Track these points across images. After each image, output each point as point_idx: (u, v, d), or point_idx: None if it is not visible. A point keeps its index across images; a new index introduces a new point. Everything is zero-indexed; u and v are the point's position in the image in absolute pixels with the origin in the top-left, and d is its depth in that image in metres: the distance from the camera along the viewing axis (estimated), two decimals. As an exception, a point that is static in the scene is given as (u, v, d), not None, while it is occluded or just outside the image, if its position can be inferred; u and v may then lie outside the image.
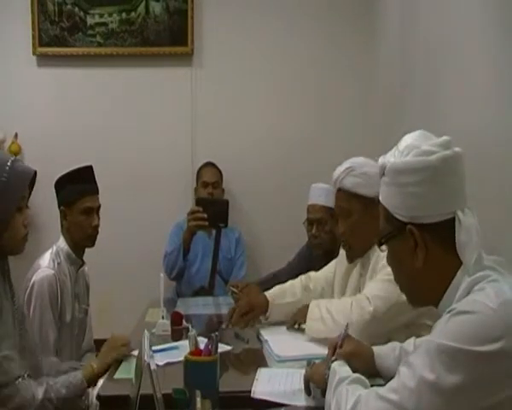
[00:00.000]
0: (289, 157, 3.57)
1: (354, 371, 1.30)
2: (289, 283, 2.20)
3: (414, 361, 1.04)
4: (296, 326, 2.00)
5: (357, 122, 3.53)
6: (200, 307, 2.69)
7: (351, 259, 1.98)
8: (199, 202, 2.86)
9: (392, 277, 1.72)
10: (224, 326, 1.98)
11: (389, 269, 1.73)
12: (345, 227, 1.91)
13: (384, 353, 1.49)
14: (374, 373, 1.46)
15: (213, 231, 3.37)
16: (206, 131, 3.60)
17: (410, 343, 1.50)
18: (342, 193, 1.89)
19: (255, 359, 1.83)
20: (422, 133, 1.17)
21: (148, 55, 3.57)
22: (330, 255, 2.66)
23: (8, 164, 1.51)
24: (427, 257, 1.11)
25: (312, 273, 2.24)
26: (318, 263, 2.76)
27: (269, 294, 2.11)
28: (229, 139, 3.59)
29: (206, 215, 2.81)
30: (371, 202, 1.87)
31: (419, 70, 2.58)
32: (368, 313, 1.73)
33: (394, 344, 1.52)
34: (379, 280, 1.80)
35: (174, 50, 3.56)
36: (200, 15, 3.57)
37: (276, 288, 2.16)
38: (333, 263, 2.19)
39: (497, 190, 1.76)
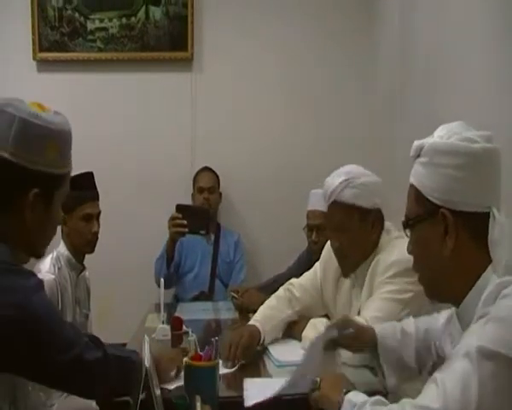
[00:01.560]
0: (289, 162, 3.57)
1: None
2: (274, 298, 2.11)
3: (455, 367, 0.99)
4: None
5: (358, 126, 3.52)
6: (200, 312, 2.68)
7: (346, 273, 1.93)
8: (178, 208, 2.81)
9: (392, 295, 1.72)
10: (229, 367, 1.76)
11: (389, 287, 1.73)
12: (341, 241, 1.86)
13: (387, 333, 1.46)
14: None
15: (212, 236, 3.37)
16: (205, 136, 3.60)
17: (409, 324, 1.47)
18: (338, 206, 1.82)
19: (255, 364, 1.83)
20: (462, 123, 1.14)
21: (147, 60, 3.57)
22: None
23: None
24: (456, 247, 1.07)
25: (294, 280, 2.16)
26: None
27: (257, 320, 1.97)
28: (229, 144, 3.59)
29: (185, 222, 2.77)
30: (367, 213, 1.85)
31: (419, 70, 2.58)
32: None
33: (394, 324, 1.47)
34: (378, 299, 1.76)
35: (174, 55, 3.56)
36: (200, 20, 3.57)
37: (261, 309, 2.06)
38: (316, 268, 2.12)
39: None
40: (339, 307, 1.98)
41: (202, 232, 2.84)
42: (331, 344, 1.45)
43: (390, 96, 3.11)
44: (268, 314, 2.02)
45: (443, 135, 1.11)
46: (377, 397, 1.18)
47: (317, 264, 2.12)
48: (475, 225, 1.07)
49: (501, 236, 1.05)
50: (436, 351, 1.38)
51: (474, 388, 0.95)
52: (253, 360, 1.83)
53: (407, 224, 1.14)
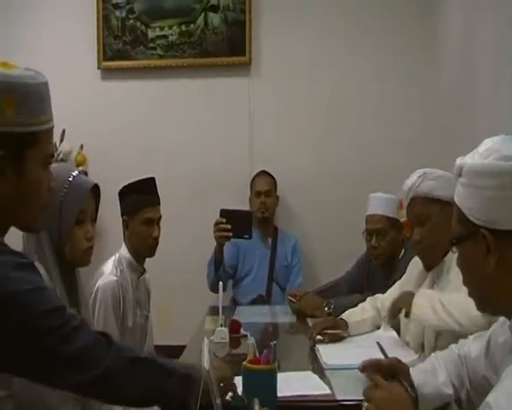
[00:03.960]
0: (347, 166, 3.54)
1: None
2: (359, 306, 2.25)
3: (509, 386, 0.95)
4: (402, 315, 1.94)
5: (417, 131, 3.45)
6: (258, 315, 2.69)
7: (428, 267, 1.94)
8: (222, 213, 2.78)
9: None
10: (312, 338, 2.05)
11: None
12: (422, 234, 1.88)
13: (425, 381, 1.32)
14: None
15: (269, 240, 3.39)
16: (263, 140, 3.62)
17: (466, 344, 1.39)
18: (418, 200, 1.87)
19: (309, 367, 1.83)
20: (504, 138, 1.13)
21: (206, 65, 3.63)
22: (389, 265, 2.62)
23: (70, 178, 1.52)
24: (500, 264, 1.06)
25: (379, 295, 2.26)
26: (377, 272, 2.72)
27: (343, 315, 2.17)
28: (287, 148, 3.59)
29: (229, 226, 2.75)
30: (448, 205, 1.83)
31: (481, 79, 2.50)
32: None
33: (426, 367, 1.37)
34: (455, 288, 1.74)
35: (232, 61, 3.60)
36: (258, 26, 3.60)
37: (346, 312, 2.21)
38: (398, 283, 2.16)
39: None
40: None
41: (246, 237, 2.82)
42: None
43: (452, 105, 3.03)
44: (353, 311, 2.21)
45: (482, 153, 1.10)
46: None
47: (400, 281, 2.17)
48: None
49: None
50: (469, 378, 1.32)
51: None
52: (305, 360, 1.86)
53: (452, 243, 1.15)
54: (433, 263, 1.92)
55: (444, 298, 1.77)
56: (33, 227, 1.23)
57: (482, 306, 1.16)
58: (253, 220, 2.90)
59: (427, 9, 3.42)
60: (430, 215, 1.85)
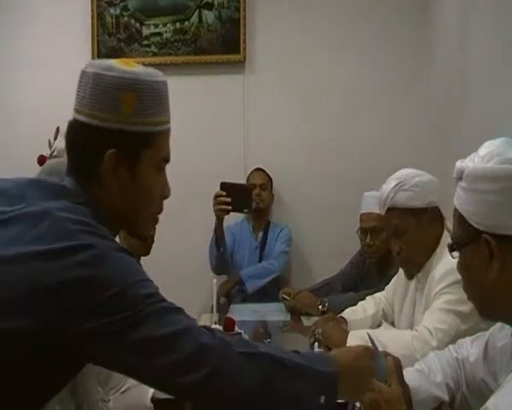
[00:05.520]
0: (342, 164, 3.54)
1: None
2: (359, 304, 2.24)
3: (509, 390, 0.95)
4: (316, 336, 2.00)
5: (412, 131, 3.46)
6: (252, 313, 2.70)
7: (410, 275, 1.93)
8: (222, 186, 2.72)
9: (450, 306, 1.70)
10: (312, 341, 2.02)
11: (447, 297, 1.70)
12: (401, 245, 1.87)
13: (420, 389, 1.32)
14: None
15: (260, 234, 3.40)
16: (258, 138, 3.62)
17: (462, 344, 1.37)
18: (394, 211, 1.85)
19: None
20: (506, 140, 1.10)
21: (201, 63, 3.62)
22: (384, 263, 2.63)
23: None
24: (503, 269, 1.04)
25: (378, 294, 2.26)
26: (371, 271, 2.73)
27: (344, 313, 2.16)
28: (282, 146, 3.59)
29: (229, 200, 2.68)
30: (423, 212, 1.84)
31: (476, 73, 2.52)
32: (432, 347, 1.63)
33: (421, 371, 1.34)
34: (437, 310, 1.74)
35: (227, 58, 3.60)
36: (253, 24, 3.60)
37: (346, 310, 2.20)
38: (393, 281, 2.16)
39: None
40: (404, 310, 1.98)
41: (246, 211, 2.79)
42: None
43: (446, 103, 3.04)
44: (351, 310, 2.19)
45: (484, 156, 1.07)
46: None
47: (394, 278, 2.16)
48: None
49: None
50: (466, 382, 1.31)
51: None
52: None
53: (452, 247, 1.13)
54: (412, 272, 1.92)
55: (386, 340, 1.71)
56: (140, 234, 1.21)
57: (483, 311, 1.14)
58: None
59: (424, 11, 3.42)
60: (407, 227, 1.84)
